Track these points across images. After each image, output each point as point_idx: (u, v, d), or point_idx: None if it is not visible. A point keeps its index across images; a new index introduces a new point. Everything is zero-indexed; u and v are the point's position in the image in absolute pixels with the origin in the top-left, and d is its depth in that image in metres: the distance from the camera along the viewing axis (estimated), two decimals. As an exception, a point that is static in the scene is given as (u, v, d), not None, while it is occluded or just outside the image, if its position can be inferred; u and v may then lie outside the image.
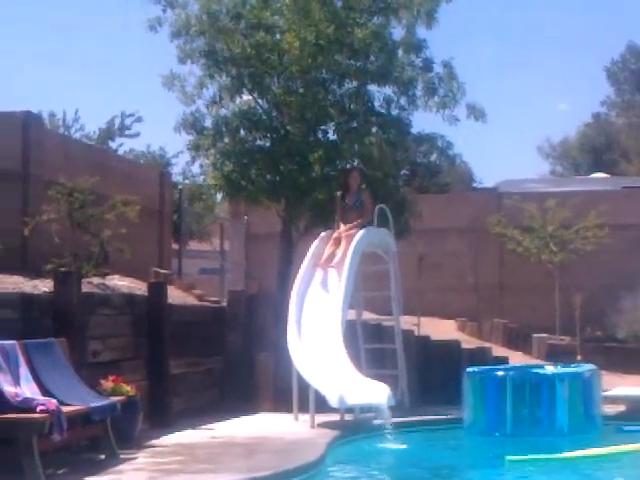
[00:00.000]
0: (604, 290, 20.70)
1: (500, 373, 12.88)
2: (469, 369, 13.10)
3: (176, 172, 27.38)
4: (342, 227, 13.95)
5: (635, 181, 28.10)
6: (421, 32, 16.08)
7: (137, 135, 32.62)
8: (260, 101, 15.88)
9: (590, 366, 13.61)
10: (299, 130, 15.44)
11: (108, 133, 31.90)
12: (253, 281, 19.88)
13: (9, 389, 8.29)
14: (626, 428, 12.52)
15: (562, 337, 19.83)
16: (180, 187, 21.57)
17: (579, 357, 16.82)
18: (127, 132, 32.55)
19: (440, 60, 16.10)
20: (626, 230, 21.50)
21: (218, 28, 15.49)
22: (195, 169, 16.37)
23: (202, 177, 16.54)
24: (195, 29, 15.58)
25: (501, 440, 12.11)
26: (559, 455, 10.62)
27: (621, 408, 13.94)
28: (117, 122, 32.22)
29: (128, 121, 32.37)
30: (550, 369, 13.54)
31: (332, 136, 16.02)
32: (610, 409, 13.67)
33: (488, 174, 65.70)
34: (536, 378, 12.81)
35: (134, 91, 59.92)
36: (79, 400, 9.02)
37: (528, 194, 22.37)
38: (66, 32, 60.96)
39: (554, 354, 18.29)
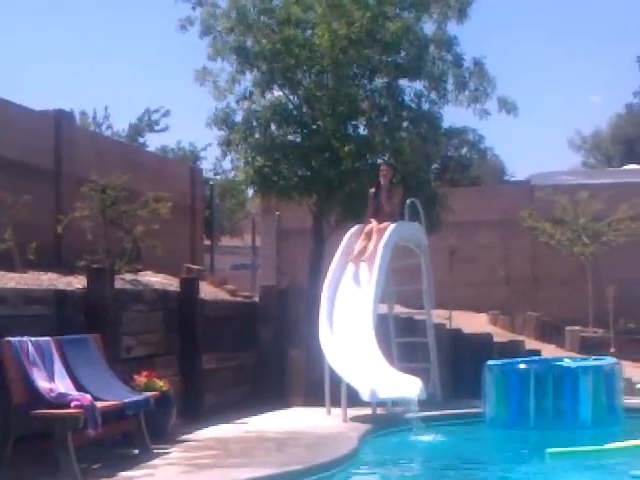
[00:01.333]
0: (637, 282, 20.59)
1: (523, 366, 12.78)
2: (489, 362, 13.02)
3: (207, 168, 27.52)
4: (373, 223, 13.94)
5: (669, 173, 27.83)
6: (452, 26, 16.11)
7: (166, 129, 32.87)
8: (291, 96, 15.92)
9: (612, 359, 13.53)
10: (330, 124, 15.47)
11: (137, 129, 32.16)
12: (284, 276, 19.94)
13: (44, 385, 8.37)
14: None
15: (595, 329, 19.75)
16: (211, 183, 21.68)
17: (612, 349, 16.74)
18: (156, 127, 32.79)
19: (471, 57, 16.15)
20: (659, 222, 21.30)
21: (247, 24, 15.56)
22: (226, 165, 16.48)
23: (233, 173, 16.61)
24: (224, 25, 15.66)
25: (525, 434, 12.02)
26: (599, 447, 10.51)
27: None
28: (145, 118, 32.50)
29: (155, 116, 32.61)
30: (571, 362, 13.47)
31: (363, 131, 16.05)
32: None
33: (520, 167, 65.37)
34: (559, 371, 12.67)
35: (164, 89, 60.13)
36: (113, 395, 9.09)
37: (560, 187, 22.25)
38: (97, 30, 61.28)
39: (587, 347, 18.23)
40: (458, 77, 16.03)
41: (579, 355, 16.57)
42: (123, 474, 8.36)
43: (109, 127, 31.84)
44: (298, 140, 15.91)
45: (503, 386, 12.61)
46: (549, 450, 10.13)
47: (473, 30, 18.70)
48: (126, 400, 9.18)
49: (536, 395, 12.25)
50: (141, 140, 32.07)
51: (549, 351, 17.80)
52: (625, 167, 30.25)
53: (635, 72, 40.91)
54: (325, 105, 15.48)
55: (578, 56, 71.75)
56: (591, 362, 13.44)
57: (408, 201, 14.42)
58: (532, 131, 71.40)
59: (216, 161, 16.75)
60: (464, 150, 18.07)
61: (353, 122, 15.93)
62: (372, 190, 14.30)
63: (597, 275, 20.22)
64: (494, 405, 12.65)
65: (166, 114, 32.71)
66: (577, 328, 19.71)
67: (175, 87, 61.76)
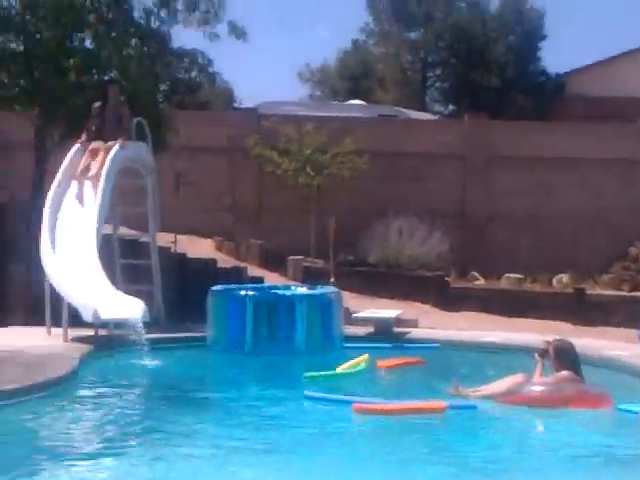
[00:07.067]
0: (358, 215, 21.00)
1: (242, 292, 12.90)
2: (213, 287, 13.06)
3: None
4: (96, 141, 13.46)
5: (390, 110, 28.60)
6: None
7: None
8: (12, 1, 15.03)
9: (332, 288, 13.78)
10: (54, 35, 14.75)
11: None
12: (4, 190, 18.96)
13: None
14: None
15: (316, 260, 20.05)
16: None
17: (332, 279, 16.98)
18: None
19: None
20: (380, 157, 21.76)
21: None
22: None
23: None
24: None
25: (242, 358, 12.10)
26: (346, 370, 10.83)
27: (370, 329, 14.14)
28: None
29: None
30: (288, 290, 13.69)
31: (90, 45, 15.46)
32: (360, 330, 13.93)
33: (250, 96, 65.47)
34: (276, 298, 12.95)
35: None
36: None
37: (287, 117, 22.33)
38: None
39: (309, 276, 18.46)
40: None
41: (297, 283, 16.72)
42: None
43: None
44: (21, 49, 15.06)
45: (223, 311, 12.77)
46: (306, 374, 10.28)
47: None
48: None
49: (254, 321, 12.42)
50: None
51: (273, 279, 17.93)
52: (349, 102, 30.85)
53: (362, 9, 41.59)
54: (49, 14, 14.71)
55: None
56: (307, 291, 13.67)
57: (135, 121, 14.07)
58: (263, 61, 71.84)
59: None
60: (194, 73, 17.78)
61: (79, 34, 15.27)
62: (97, 104, 13.84)
63: (321, 207, 20.52)
64: (215, 330, 12.76)
65: None
66: (300, 258, 19.93)
67: None
